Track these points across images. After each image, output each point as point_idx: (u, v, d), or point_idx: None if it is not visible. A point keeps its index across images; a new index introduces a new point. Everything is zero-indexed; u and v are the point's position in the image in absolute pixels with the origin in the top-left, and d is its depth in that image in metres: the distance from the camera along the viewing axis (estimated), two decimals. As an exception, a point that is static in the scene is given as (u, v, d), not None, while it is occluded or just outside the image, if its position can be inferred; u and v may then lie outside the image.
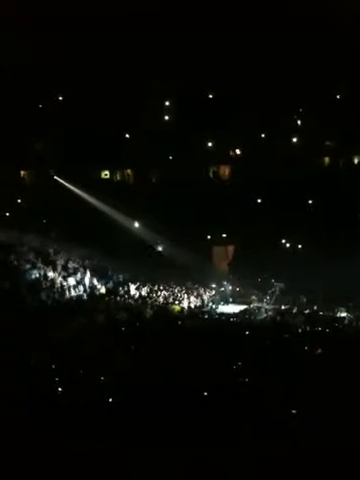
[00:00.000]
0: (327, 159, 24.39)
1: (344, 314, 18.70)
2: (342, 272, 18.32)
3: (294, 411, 7.36)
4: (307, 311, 18.81)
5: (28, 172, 25.40)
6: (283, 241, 24.03)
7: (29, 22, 19.23)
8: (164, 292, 20.08)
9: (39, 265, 18.47)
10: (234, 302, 21.41)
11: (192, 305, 19.70)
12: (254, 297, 21.45)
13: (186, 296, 20.14)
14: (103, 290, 19.33)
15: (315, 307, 19.23)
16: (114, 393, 7.73)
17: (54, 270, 18.66)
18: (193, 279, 22.21)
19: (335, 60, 20.71)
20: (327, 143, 24.27)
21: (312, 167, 23.66)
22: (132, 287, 19.83)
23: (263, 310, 19.45)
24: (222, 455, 5.88)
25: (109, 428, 6.53)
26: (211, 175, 25.31)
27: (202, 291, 21.48)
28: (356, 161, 24.15)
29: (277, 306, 20.18)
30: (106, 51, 21.08)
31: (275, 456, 5.93)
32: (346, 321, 17.73)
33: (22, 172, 25.33)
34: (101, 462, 5.63)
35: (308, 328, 15.77)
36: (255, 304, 20.65)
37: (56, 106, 24.22)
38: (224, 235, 24.39)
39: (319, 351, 11.74)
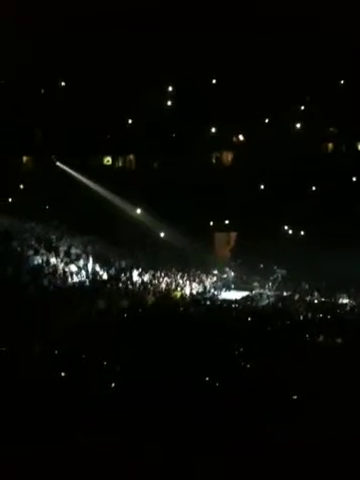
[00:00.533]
0: (330, 145, 24.24)
1: (346, 300, 18.75)
2: (344, 259, 18.33)
3: (295, 397, 7.39)
4: (309, 298, 18.86)
5: (30, 158, 25.34)
6: (285, 228, 24.00)
7: (30, 9, 19.05)
8: (166, 278, 20.11)
9: (42, 251, 18.50)
10: (236, 288, 21.46)
11: (194, 291, 19.76)
12: (256, 283, 21.49)
13: (188, 282, 20.18)
14: (105, 276, 19.37)
15: (317, 294, 19.27)
16: (116, 381, 7.77)
17: (56, 256, 18.70)
18: (195, 265, 22.24)
19: (338, 46, 20.51)
20: (330, 129, 24.11)
21: (315, 153, 23.52)
22: (134, 273, 19.87)
23: (265, 296, 19.50)
24: (223, 443, 5.90)
25: (110, 418, 6.55)
26: (214, 161, 25.20)
27: (204, 277, 21.52)
28: (359, 147, 23.99)
29: (279, 293, 20.23)
30: (108, 38, 20.91)
31: (277, 442, 5.95)
32: (347, 308, 17.78)
33: (24, 158, 25.27)
34: (102, 453, 5.65)
35: (310, 314, 15.82)
36: (257, 290, 20.70)
37: (58, 92, 24.08)
38: (226, 221, 24.36)
39: (321, 337, 11.80)
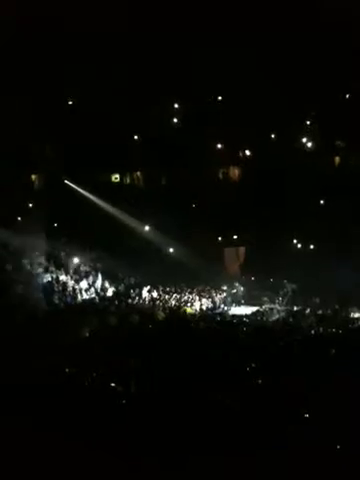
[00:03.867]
0: (337, 159, 24.25)
1: (357, 314, 18.58)
2: (354, 272, 18.21)
3: (307, 415, 7.31)
4: (320, 312, 18.71)
5: (38, 176, 25.55)
6: (294, 242, 23.92)
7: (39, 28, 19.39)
8: (175, 294, 20.07)
9: (51, 269, 18.57)
10: (246, 304, 21.35)
11: (204, 307, 19.69)
12: (266, 298, 21.36)
13: (198, 298, 20.12)
14: (115, 293, 19.39)
15: (328, 308, 19.11)
16: (127, 395, 7.74)
17: (66, 273, 18.75)
18: (205, 281, 22.18)
19: (345, 59, 20.63)
20: (337, 143, 24.14)
21: (322, 167, 23.52)
22: (144, 290, 19.86)
23: (275, 311, 19.38)
24: (234, 458, 5.86)
25: (119, 433, 6.53)
26: (221, 177, 25.28)
27: (214, 293, 21.45)
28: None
29: (289, 307, 20.09)
30: (115, 55, 21.18)
31: (287, 458, 5.90)
32: (359, 322, 17.61)
33: (33, 176, 25.49)
34: (108, 467, 5.63)
35: (321, 329, 15.68)
36: (267, 305, 20.57)
37: (66, 109, 24.35)
38: (235, 237, 24.33)
39: (332, 352, 11.67)
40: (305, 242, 23.75)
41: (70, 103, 24.81)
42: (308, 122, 24.15)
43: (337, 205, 22.56)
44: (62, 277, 18.41)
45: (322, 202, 23.72)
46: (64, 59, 21.02)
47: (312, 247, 23.65)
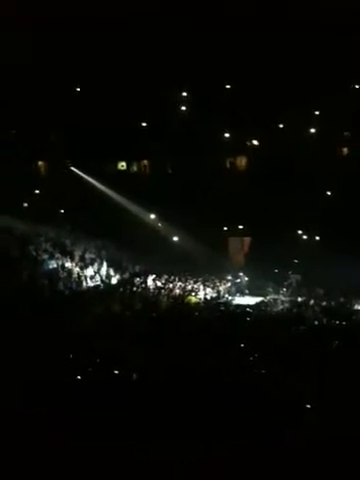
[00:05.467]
0: (345, 150, 24.07)
1: (361, 306, 18.56)
2: (359, 264, 18.17)
3: (309, 405, 7.35)
4: (324, 303, 18.70)
5: (44, 163, 25.54)
6: (300, 232, 23.85)
7: (46, 12, 19.24)
8: (180, 283, 20.12)
9: (57, 256, 18.64)
10: (250, 294, 21.37)
11: (208, 296, 19.73)
12: (270, 289, 21.37)
13: (202, 287, 20.16)
14: (120, 281, 19.45)
15: (332, 300, 19.10)
16: (131, 384, 7.79)
17: (71, 261, 18.82)
18: (209, 270, 22.19)
19: (353, 50, 20.40)
20: (345, 134, 23.95)
21: (330, 158, 23.37)
22: (149, 278, 19.91)
23: (279, 302, 19.39)
24: (238, 448, 5.89)
25: (125, 421, 6.58)
26: (228, 166, 25.17)
27: (218, 283, 21.47)
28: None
29: (293, 298, 20.09)
30: (122, 42, 21.02)
31: (290, 449, 5.93)
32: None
33: (39, 163, 25.48)
34: (116, 455, 5.67)
35: (325, 320, 15.70)
36: (271, 296, 20.58)
37: (72, 96, 24.24)
38: (240, 227, 24.29)
39: (336, 344, 11.69)
40: (310, 233, 23.68)
41: (77, 90, 24.69)
42: (316, 112, 23.95)
43: (343, 197, 22.46)
44: (67, 264, 18.48)
45: (329, 193, 23.60)
46: (70, 46, 20.88)
47: (317, 238, 23.59)
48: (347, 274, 18.48)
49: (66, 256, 19.01)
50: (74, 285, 17.30)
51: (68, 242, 20.36)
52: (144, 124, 24.89)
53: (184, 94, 24.96)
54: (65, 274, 17.61)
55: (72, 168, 24.30)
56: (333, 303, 18.71)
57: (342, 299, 19.00)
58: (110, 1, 19.47)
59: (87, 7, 19.16)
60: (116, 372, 8.54)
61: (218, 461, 5.57)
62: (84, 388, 7.89)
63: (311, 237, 23.70)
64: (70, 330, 11.41)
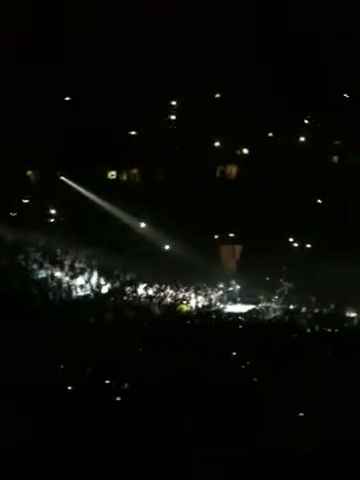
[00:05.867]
0: (336, 158, 24.21)
1: (353, 314, 18.58)
2: (351, 272, 18.19)
3: (302, 414, 7.30)
4: (316, 311, 18.70)
5: (34, 172, 25.42)
6: (291, 240, 23.89)
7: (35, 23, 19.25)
8: (171, 292, 20.02)
9: (46, 265, 18.48)
10: (242, 302, 21.32)
11: (200, 305, 19.64)
12: (262, 297, 21.33)
13: (194, 296, 20.07)
14: (110, 290, 19.32)
15: (324, 307, 19.11)
16: (122, 392, 7.69)
17: (61, 270, 18.67)
18: (201, 279, 22.13)
19: (344, 58, 20.58)
20: (335, 142, 24.11)
21: (321, 166, 23.49)
22: (139, 287, 19.80)
23: (271, 310, 19.36)
24: (230, 455, 5.82)
25: (115, 429, 6.49)
26: (218, 175, 25.21)
27: (210, 291, 21.40)
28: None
29: (285, 306, 20.08)
30: (112, 51, 21.06)
31: (281, 456, 5.88)
32: (355, 321, 17.62)
33: (28, 172, 25.35)
34: (105, 464, 5.58)
35: (317, 328, 15.67)
36: (263, 304, 20.55)
37: (63, 105, 24.21)
38: (232, 234, 24.29)
39: (328, 351, 11.65)
40: (302, 241, 23.73)
41: (67, 98, 24.67)
42: (306, 121, 24.10)
43: (335, 205, 22.55)
44: (57, 273, 18.32)
45: (319, 201, 23.69)
46: (61, 54, 20.88)
47: (309, 246, 23.63)
48: (338, 281, 18.50)
49: (56, 265, 18.85)
50: (64, 294, 17.14)
51: (58, 251, 20.21)
52: (134, 133, 24.91)
53: (174, 103, 25.04)
54: (55, 283, 17.45)
55: (62, 177, 24.20)
56: (325, 310, 18.71)
57: (333, 306, 19.01)
58: (99, 10, 19.53)
59: (78, 16, 19.21)
60: (107, 381, 8.43)
61: (209, 467, 5.50)
62: (74, 397, 7.77)
63: (303, 245, 23.75)
64: (59, 339, 11.27)
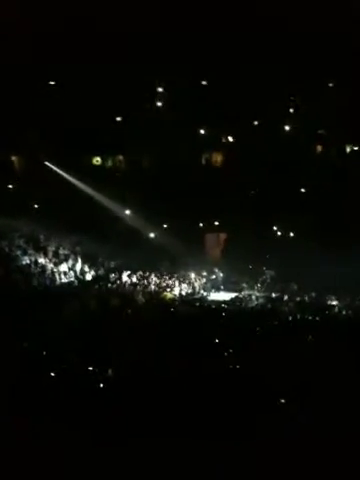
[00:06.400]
0: (319, 147, 24.36)
1: (334, 302, 18.87)
2: (332, 261, 18.43)
3: (283, 400, 7.42)
4: (298, 299, 18.95)
5: (19, 158, 25.13)
6: (275, 228, 24.08)
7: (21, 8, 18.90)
8: (156, 279, 20.10)
9: (30, 251, 18.40)
10: (225, 289, 21.49)
11: (183, 292, 19.76)
12: (245, 285, 21.53)
13: (178, 283, 20.18)
14: (94, 277, 19.32)
15: (305, 295, 19.37)
16: (106, 381, 7.75)
17: (45, 256, 18.60)
18: (185, 266, 22.23)
19: (327, 48, 20.61)
20: (319, 132, 24.24)
21: (304, 155, 23.64)
22: (124, 274, 19.83)
23: (254, 297, 19.57)
24: (212, 444, 5.91)
25: (98, 418, 6.53)
26: (203, 162, 25.20)
27: (194, 278, 21.53)
28: (348, 150, 24.15)
29: (268, 294, 20.30)
30: (97, 36, 20.79)
31: (265, 444, 5.97)
32: (336, 309, 17.90)
33: (13, 157, 25.06)
34: (87, 453, 5.63)
35: (298, 316, 15.90)
36: (246, 291, 20.75)
37: (47, 91, 23.91)
38: (216, 223, 24.39)
39: (309, 339, 11.84)
40: (285, 230, 23.93)
41: (51, 83, 24.35)
42: (291, 110, 24.16)
43: (317, 194, 22.75)
44: (41, 260, 18.26)
45: (303, 190, 23.87)
46: (45, 40, 20.55)
47: (292, 235, 23.85)
48: (320, 270, 18.74)
49: (40, 251, 18.78)
50: (47, 281, 17.11)
51: (42, 237, 20.11)
52: (119, 119, 24.72)
53: (160, 90, 24.88)
54: (38, 270, 17.40)
55: (47, 163, 23.97)
56: (306, 298, 18.97)
57: (314, 294, 19.29)
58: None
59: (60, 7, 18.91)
60: (90, 368, 8.49)
61: (189, 456, 5.59)
62: (57, 384, 7.81)
63: (286, 234, 23.96)
64: (43, 326, 11.29)
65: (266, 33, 20.45)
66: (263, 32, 20.43)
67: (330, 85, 23.52)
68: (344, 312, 17.40)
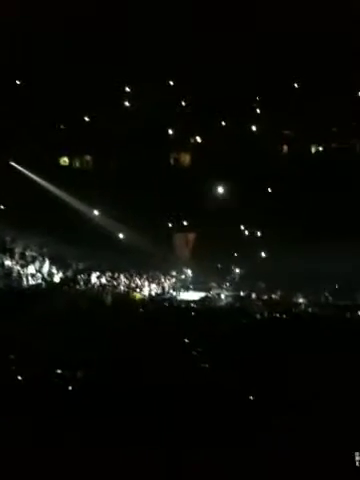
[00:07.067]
0: (285, 148, 24.77)
1: (301, 299, 19.22)
2: (299, 259, 18.77)
3: (252, 397, 7.49)
4: (265, 297, 19.22)
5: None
6: (242, 228, 24.35)
7: None
8: (124, 280, 20.05)
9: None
10: (194, 289, 21.61)
11: (153, 293, 19.78)
12: (214, 284, 21.70)
13: (147, 284, 20.18)
14: (62, 278, 19.13)
15: (273, 293, 19.67)
16: (73, 385, 7.68)
17: (11, 258, 18.31)
18: (154, 267, 22.24)
19: (293, 48, 20.96)
20: (286, 132, 24.65)
21: (271, 156, 23.98)
22: (92, 276, 19.71)
23: (223, 296, 19.74)
24: (182, 444, 5.91)
25: (65, 423, 6.46)
26: (172, 163, 25.28)
27: (163, 278, 21.56)
28: (313, 150, 24.64)
29: (236, 292, 20.52)
30: (66, 37, 20.61)
31: (233, 443, 6.00)
32: (303, 307, 18.25)
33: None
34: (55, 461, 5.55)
35: (266, 314, 16.13)
36: (215, 291, 20.91)
37: (13, 90, 23.54)
38: (185, 223, 24.49)
39: (276, 336, 12.02)
40: (252, 229, 24.22)
41: (18, 82, 23.99)
42: (257, 110, 24.48)
43: (284, 192, 23.11)
44: (7, 262, 17.96)
45: (269, 190, 24.21)
46: (16, 36, 20.24)
47: (259, 234, 24.16)
48: (286, 268, 19.06)
49: (6, 253, 18.47)
50: (14, 283, 16.85)
51: (8, 239, 19.79)
52: (87, 119, 24.55)
53: (127, 89, 24.82)
54: (4, 272, 17.12)
55: (12, 163, 23.59)
56: (274, 296, 19.27)
57: (281, 293, 19.60)
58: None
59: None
60: (59, 372, 8.40)
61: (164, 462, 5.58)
62: (25, 387, 7.71)
63: (253, 233, 24.25)
64: (9, 330, 11.11)
65: (234, 33, 20.64)
66: (231, 32, 20.62)
67: (295, 86, 23.96)
68: (310, 309, 17.75)
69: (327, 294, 19.87)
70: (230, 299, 19.33)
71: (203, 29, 20.68)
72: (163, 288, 20.74)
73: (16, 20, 19.61)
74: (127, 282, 19.96)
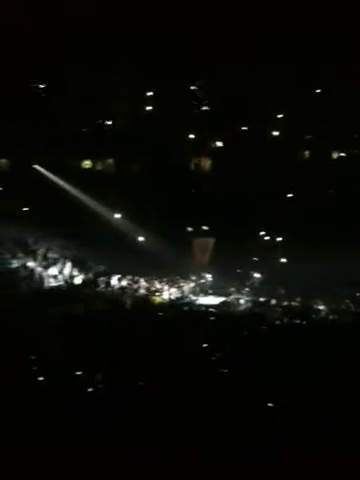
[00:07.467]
0: (307, 153, 24.62)
1: (321, 306, 19.08)
2: (319, 265, 18.64)
3: (271, 404, 7.51)
4: (285, 303, 19.13)
5: (7, 161, 25.06)
6: (262, 233, 24.24)
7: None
8: (144, 284, 20.16)
9: (19, 255, 18.38)
10: (213, 294, 21.59)
11: (172, 297, 19.85)
12: (233, 289, 21.65)
13: (167, 288, 20.26)
14: (83, 280, 19.34)
15: (292, 300, 19.56)
16: (94, 385, 7.79)
17: (34, 260, 18.59)
18: (174, 271, 22.30)
19: (315, 54, 20.88)
20: (307, 137, 24.51)
21: (292, 161, 23.87)
22: (113, 278, 19.87)
23: (242, 302, 19.71)
24: (200, 450, 5.96)
25: (86, 423, 6.55)
26: (192, 167, 25.33)
27: (182, 283, 21.61)
28: (335, 156, 24.44)
29: (255, 298, 20.45)
30: (88, 40, 20.86)
31: (252, 448, 6.03)
32: (322, 313, 18.12)
33: (1, 160, 24.97)
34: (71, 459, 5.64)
35: (285, 320, 16.07)
36: (234, 296, 20.87)
37: (37, 94, 23.91)
38: (205, 227, 24.50)
39: (295, 343, 11.98)
40: (272, 234, 24.09)
41: (41, 86, 24.35)
42: (279, 116, 24.40)
43: (305, 198, 22.97)
44: (30, 263, 18.24)
45: (290, 195, 24.07)
46: (36, 42, 20.59)
47: (279, 239, 24.02)
48: (307, 275, 18.95)
49: (28, 255, 18.76)
50: (36, 285, 17.11)
51: (31, 241, 20.09)
52: (110, 122, 24.78)
53: (150, 94, 24.98)
54: (27, 273, 17.39)
55: (36, 166, 23.93)
56: (293, 303, 19.16)
57: (300, 299, 19.49)
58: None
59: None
60: (79, 373, 8.52)
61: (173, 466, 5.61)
62: (46, 390, 7.84)
63: (273, 238, 24.13)
64: (33, 330, 11.30)
65: (255, 37, 20.63)
66: (252, 36, 20.61)
67: (317, 91, 23.83)
68: (330, 317, 17.62)
69: (348, 301, 19.68)
70: (249, 304, 19.29)
71: (227, 32, 20.69)
72: (182, 292, 20.78)
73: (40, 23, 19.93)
74: (147, 286, 20.07)
